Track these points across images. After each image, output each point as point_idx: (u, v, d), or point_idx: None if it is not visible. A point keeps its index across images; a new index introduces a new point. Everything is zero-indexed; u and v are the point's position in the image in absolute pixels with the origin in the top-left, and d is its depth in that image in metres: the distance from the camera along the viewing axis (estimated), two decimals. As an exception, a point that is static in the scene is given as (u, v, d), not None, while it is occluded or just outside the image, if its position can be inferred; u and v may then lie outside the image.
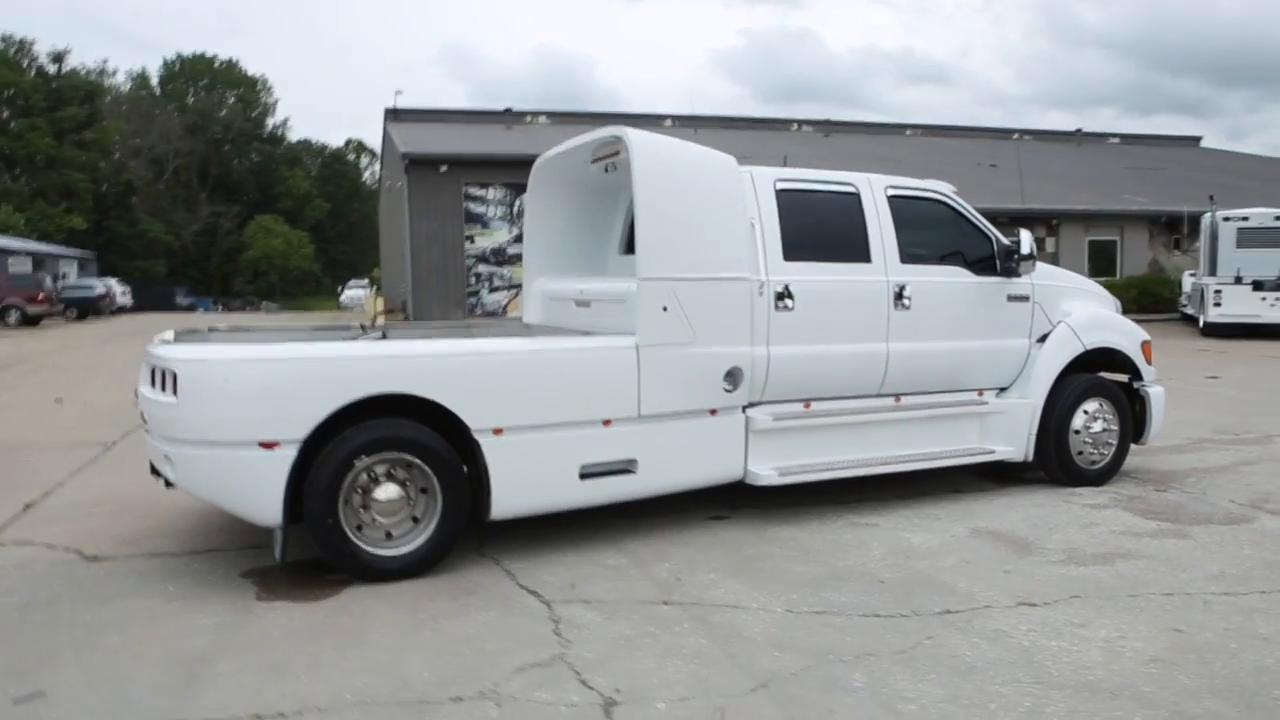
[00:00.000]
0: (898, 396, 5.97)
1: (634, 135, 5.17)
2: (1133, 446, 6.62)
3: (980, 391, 6.25)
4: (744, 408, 5.47)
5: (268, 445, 4.29)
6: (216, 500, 4.43)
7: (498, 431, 4.73)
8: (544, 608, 4.23)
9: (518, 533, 5.16)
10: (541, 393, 4.84)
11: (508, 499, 4.79)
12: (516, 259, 27.13)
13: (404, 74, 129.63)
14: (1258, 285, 17.65)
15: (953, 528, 5.45)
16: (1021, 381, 6.28)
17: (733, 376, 5.35)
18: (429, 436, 4.59)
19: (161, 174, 67.23)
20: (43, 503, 6.28)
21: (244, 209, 68.61)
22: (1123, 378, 6.66)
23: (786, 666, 3.58)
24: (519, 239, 27.51)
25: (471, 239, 26.61)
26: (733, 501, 5.90)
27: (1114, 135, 43.75)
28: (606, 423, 5.01)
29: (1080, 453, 6.33)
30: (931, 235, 6.07)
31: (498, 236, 26.89)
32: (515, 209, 26.96)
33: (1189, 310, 20.74)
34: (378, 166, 70.17)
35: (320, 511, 4.37)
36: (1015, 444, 6.17)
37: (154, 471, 5.14)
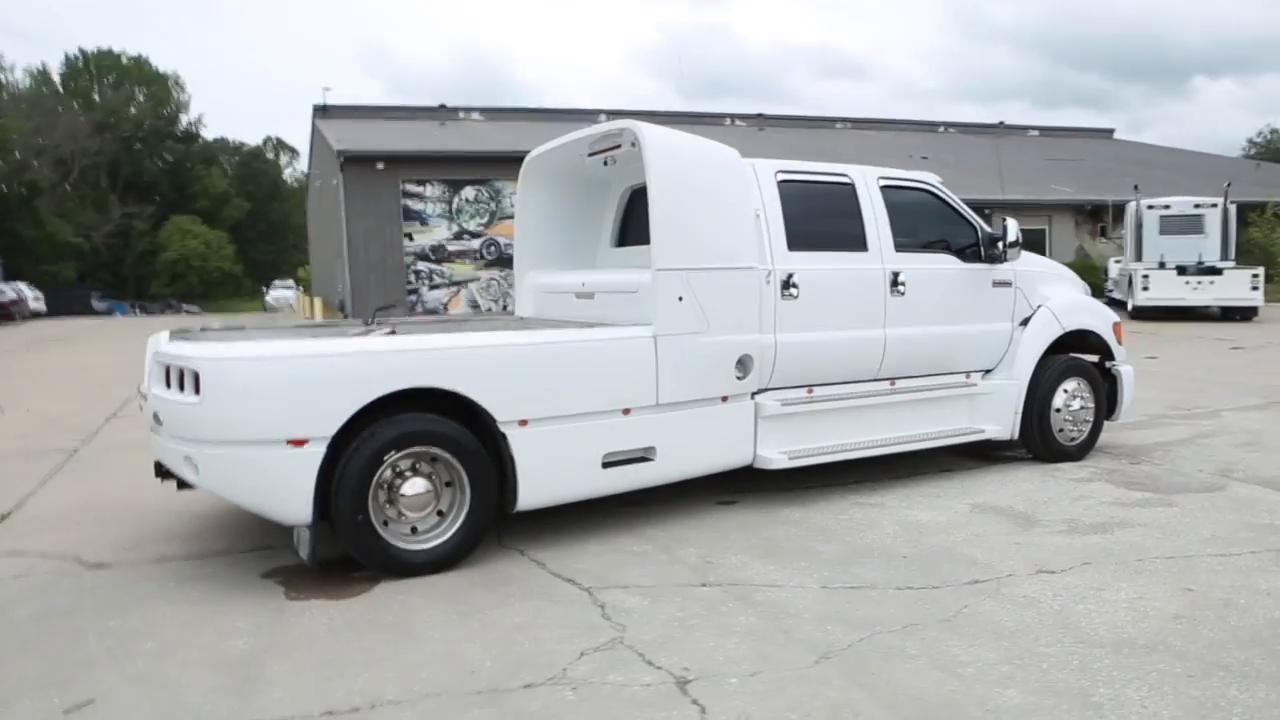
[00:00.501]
0: (893, 380, 6.15)
1: (645, 128, 5.22)
2: (1104, 423, 6.94)
3: (968, 374, 6.47)
4: (752, 394, 5.57)
5: (296, 443, 4.22)
6: (242, 500, 4.34)
7: (523, 423, 4.73)
8: (585, 595, 4.26)
9: (536, 524, 5.16)
10: (565, 384, 4.86)
11: (534, 490, 4.81)
12: (457, 256, 26.85)
13: (319, 70, 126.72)
14: (1181, 270, 18.54)
15: (954, 504, 5.64)
16: (1006, 363, 6.53)
17: (743, 364, 5.45)
18: (456, 430, 4.57)
19: (68, 174, 64.32)
20: (19, 513, 6.04)
21: (159, 210, 66.09)
22: (1093, 358, 6.97)
23: (841, 639, 3.69)
24: (459, 236, 27.30)
25: (410, 236, 26.22)
26: (737, 486, 6.01)
27: (1033, 128, 45.17)
28: (626, 412, 5.05)
29: (1061, 430, 6.61)
30: (921, 224, 6.26)
31: (437, 234, 26.56)
32: (454, 206, 26.69)
33: (1116, 295, 21.64)
34: (299, 164, 68.41)
35: (350, 509, 4.32)
36: (1003, 423, 6.42)
37: (161, 474, 5.02)
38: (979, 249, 6.43)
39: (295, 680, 3.44)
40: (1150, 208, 19.03)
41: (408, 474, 4.52)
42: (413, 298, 26.35)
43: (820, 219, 5.83)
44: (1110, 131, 46.75)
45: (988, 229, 6.49)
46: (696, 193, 5.30)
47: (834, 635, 3.73)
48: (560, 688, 3.33)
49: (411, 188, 26.18)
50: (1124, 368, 6.92)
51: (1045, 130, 44.78)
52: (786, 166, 5.87)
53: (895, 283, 5.99)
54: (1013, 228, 6.32)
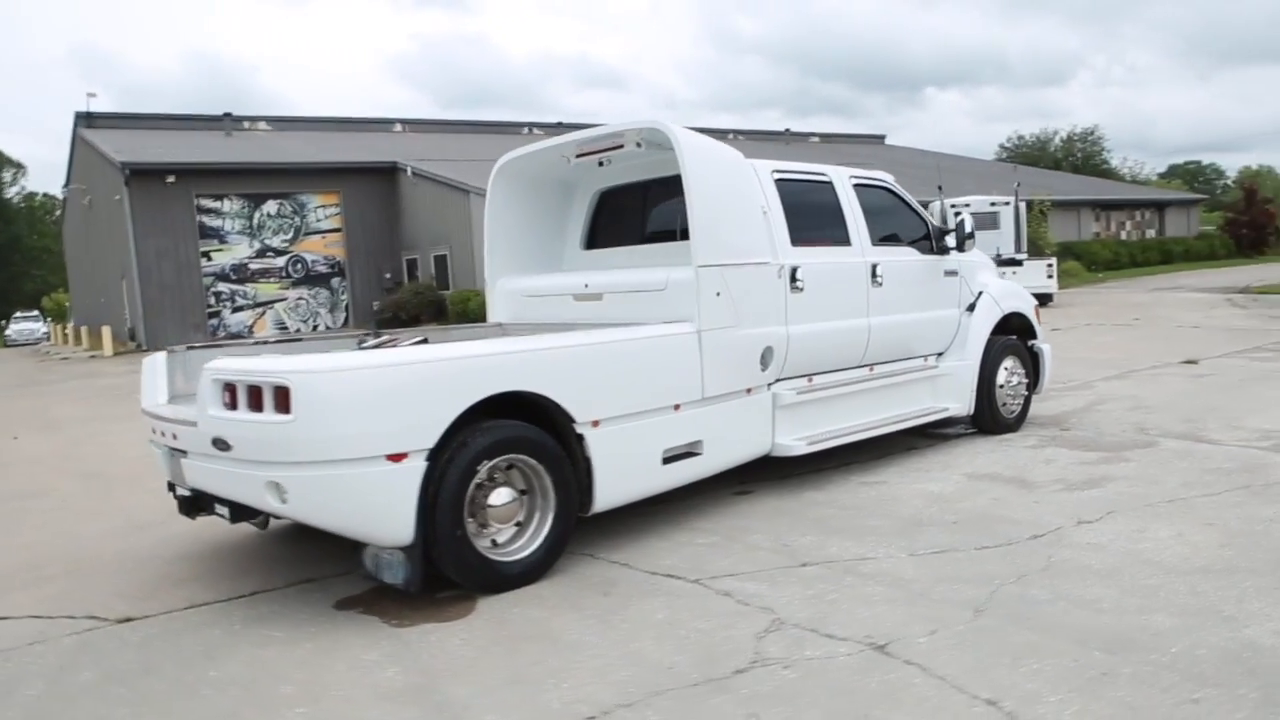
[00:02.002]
0: (871, 367, 6.55)
1: (679, 129, 5.29)
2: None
3: (926, 358, 7.01)
4: (768, 385, 5.77)
5: (396, 458, 3.96)
6: (339, 525, 3.99)
7: (595, 424, 4.68)
8: (699, 587, 4.28)
9: (583, 528, 5.09)
10: (629, 382, 4.86)
11: (608, 491, 4.76)
12: (260, 275, 25.20)
13: (26, 75, 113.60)
14: (984, 263, 20.70)
15: (949, 476, 6.11)
16: (958, 346, 7.13)
17: (765, 356, 5.64)
18: (540, 434, 4.45)
19: None
20: (5, 570, 5.21)
21: None
22: (1012, 338, 7.74)
23: (975, 595, 3.95)
24: (262, 253, 25.60)
25: (208, 255, 24.31)
26: (741, 476, 6.17)
27: (813, 135, 48.43)
28: (677, 408, 5.10)
29: (1004, 404, 7.30)
30: (885, 219, 6.72)
31: (237, 251, 24.79)
32: (255, 221, 25.01)
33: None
34: (28, 180, 61.20)
35: (449, 523, 4.10)
36: (962, 401, 7.00)
37: (191, 509, 4.53)
38: (930, 241, 6.98)
39: (499, 701, 3.26)
40: (953, 205, 21.08)
41: (493, 484, 4.35)
42: (214, 321, 24.44)
43: (811, 216, 6.13)
44: (882, 137, 51.06)
45: (935, 223, 7.07)
46: (722, 190, 5.44)
47: (966, 593, 3.99)
48: (773, 668, 3.37)
49: (207, 202, 24.31)
50: (1044, 346, 7.74)
51: (824, 136, 48.10)
52: (779, 166, 6.13)
53: (874, 274, 6.40)
54: (968, 221, 6.92)
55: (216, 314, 24.43)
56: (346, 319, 26.42)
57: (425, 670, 3.54)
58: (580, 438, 4.61)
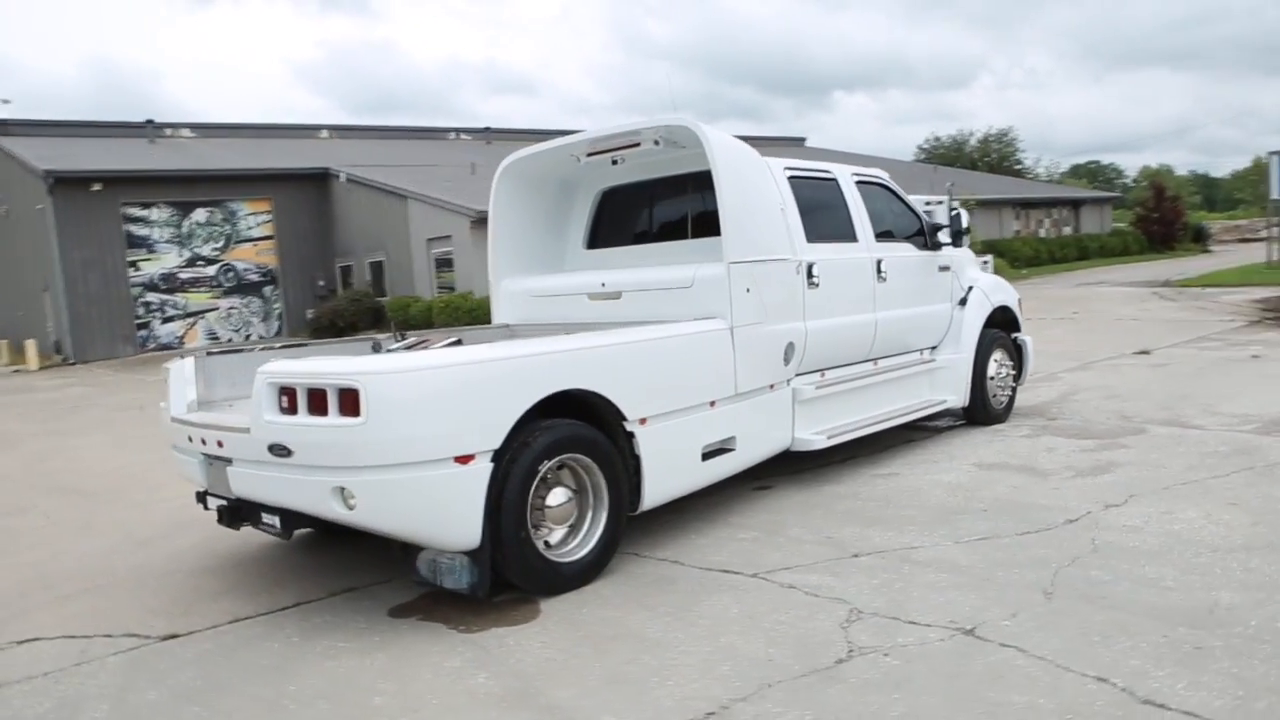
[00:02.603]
0: (875, 361, 6.67)
1: (707, 128, 5.30)
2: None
3: (922, 351, 7.16)
4: (788, 381, 5.82)
5: (463, 459, 3.88)
6: (406, 530, 3.88)
7: (643, 421, 4.66)
8: (762, 581, 4.29)
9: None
10: (673, 379, 4.85)
11: (655, 489, 4.74)
12: (191, 285, 24.32)
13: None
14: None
15: (960, 466, 6.25)
16: (951, 340, 7.30)
17: (788, 352, 5.69)
18: (594, 433, 4.41)
19: None
20: (11, 590, 4.93)
21: None
22: (998, 331, 7.95)
23: (1038, 578, 4.05)
24: (192, 262, 24.69)
25: (136, 265, 23.32)
26: (757, 473, 6.20)
27: (738, 138, 48.88)
28: (713, 404, 5.11)
29: (994, 396, 7.50)
30: (884, 215, 6.84)
31: (166, 261, 23.86)
32: (184, 230, 24.14)
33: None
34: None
35: (513, 525, 4.03)
36: (958, 393, 7.17)
37: (234, 520, 4.35)
38: (924, 237, 7.14)
39: (607, 701, 3.22)
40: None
41: (550, 484, 4.29)
42: (143, 333, 23.49)
43: (821, 213, 6.21)
44: (803, 140, 51.68)
45: (929, 219, 7.23)
46: (747, 187, 5.48)
47: (1028, 576, 4.09)
48: (873, 656, 3.40)
49: (134, 211, 23.36)
50: (1026, 338, 7.98)
51: (748, 139, 48.63)
52: (790, 163, 6.19)
53: (879, 270, 6.51)
54: (964, 218, 7.10)
55: (146, 325, 23.46)
56: (280, 328, 25.67)
57: (517, 674, 3.47)
58: (630, 435, 4.59)
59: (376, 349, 5.81)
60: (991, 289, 7.63)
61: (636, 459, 4.62)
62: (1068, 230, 38.80)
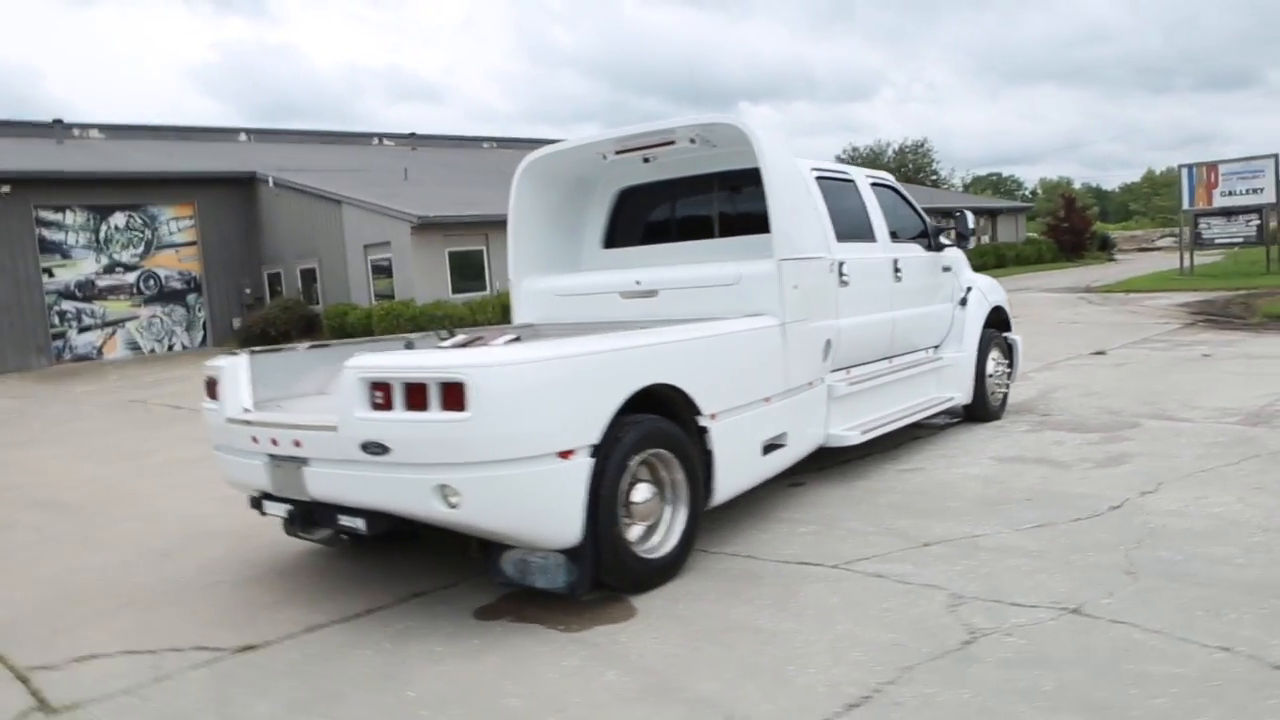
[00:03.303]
0: (890, 359, 6.81)
1: (755, 124, 5.33)
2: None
3: (927, 350, 7.34)
4: (822, 378, 5.89)
5: (565, 455, 3.82)
6: (507, 528, 3.77)
7: (713, 416, 4.66)
8: (846, 572, 4.33)
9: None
10: (737, 374, 4.88)
11: (725, 484, 4.75)
12: (109, 293, 23.22)
13: None
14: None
15: (979, 460, 6.42)
16: (954, 338, 7.50)
17: (826, 349, 5.76)
18: (674, 428, 4.39)
19: None
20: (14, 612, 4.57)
21: None
22: (993, 330, 8.19)
23: (1114, 560, 4.20)
24: (110, 269, 23.53)
25: (50, 272, 22.12)
26: (787, 470, 6.25)
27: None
28: (768, 399, 5.14)
29: (992, 393, 7.74)
30: (895, 217, 6.99)
31: (83, 267, 22.70)
32: (102, 235, 23.02)
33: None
34: None
35: (609, 522, 3.98)
36: (963, 390, 7.38)
37: (306, 524, 4.18)
38: (928, 239, 7.33)
39: (756, 691, 3.21)
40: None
41: (635, 480, 4.25)
42: (59, 343, 22.30)
43: (845, 212, 6.32)
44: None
45: (931, 221, 7.43)
46: (791, 186, 5.54)
47: (1102, 559, 4.23)
48: (996, 637, 3.47)
49: (47, 214, 22.20)
50: (1016, 338, 8.26)
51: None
52: (816, 164, 6.28)
53: (896, 269, 6.66)
54: (970, 219, 7.31)
55: (62, 335, 22.21)
56: (205, 338, 24.68)
57: (647, 670, 3.42)
58: (704, 430, 4.58)
59: (409, 347, 5.67)
60: (988, 289, 7.88)
61: (708, 454, 4.61)
62: (985, 239, 40.30)
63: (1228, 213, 24.26)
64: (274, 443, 4.12)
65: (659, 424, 4.28)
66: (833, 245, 5.95)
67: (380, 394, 3.73)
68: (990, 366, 7.70)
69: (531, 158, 6.45)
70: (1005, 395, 7.99)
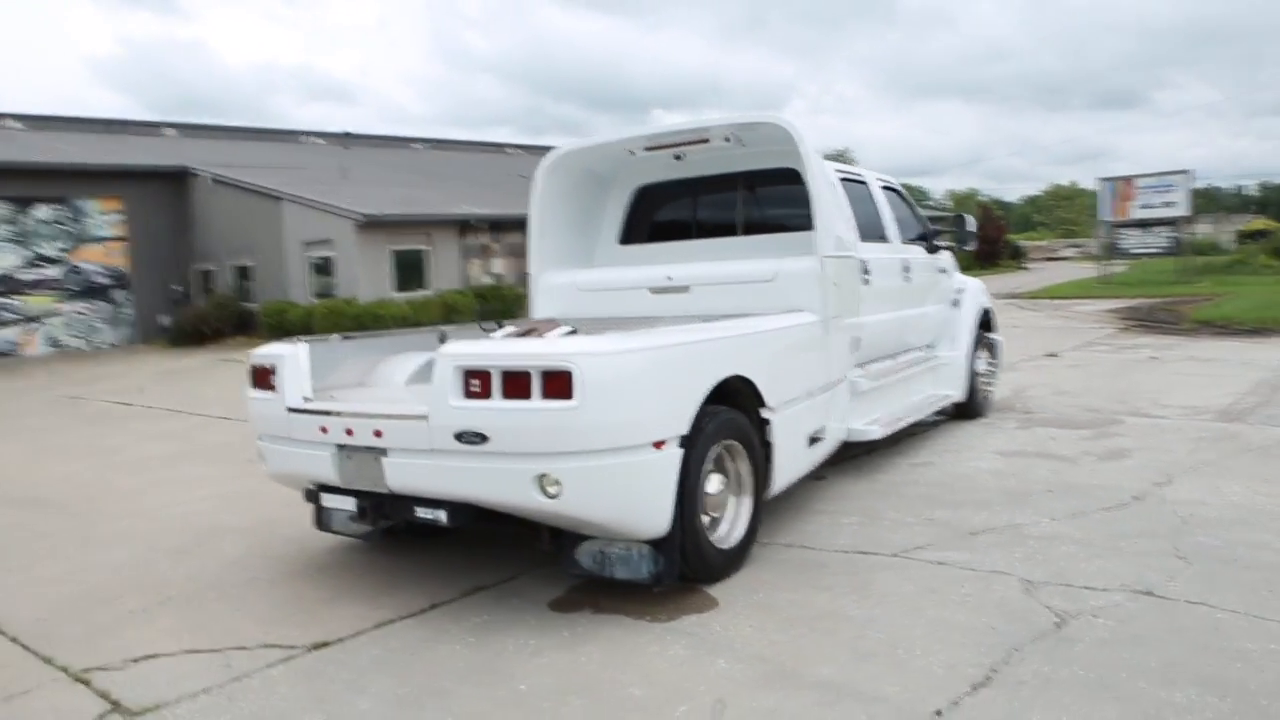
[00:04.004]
0: (895, 356, 6.97)
1: (797, 122, 5.40)
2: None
3: (923, 349, 7.53)
4: (846, 374, 6.00)
5: (659, 445, 3.81)
6: (605, 519, 3.73)
7: (774, 409, 4.70)
8: (908, 560, 4.42)
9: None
10: (791, 368, 4.94)
11: (781, 475, 4.80)
12: (31, 287, 22.12)
13: None
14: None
15: (984, 455, 6.62)
16: (948, 338, 7.71)
17: (854, 345, 5.87)
18: (744, 420, 4.42)
19: None
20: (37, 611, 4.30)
21: None
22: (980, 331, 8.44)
23: (1160, 546, 4.39)
24: (33, 263, 22.30)
25: (-36, 265, 20.87)
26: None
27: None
28: (811, 394, 5.21)
29: (981, 391, 7.98)
30: (900, 218, 7.16)
31: (4, 260, 21.54)
32: (24, 228, 21.87)
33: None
34: None
35: (691, 513, 3.99)
36: (958, 388, 7.59)
37: (378, 515, 4.08)
38: (927, 240, 7.53)
39: (877, 673, 3.27)
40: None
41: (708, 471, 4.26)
42: (-27, 339, 21.06)
43: (864, 214, 6.44)
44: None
45: (930, 224, 7.63)
46: (829, 186, 5.64)
47: (1149, 545, 4.42)
48: (1086, 618, 3.59)
49: (-38, 204, 20.91)
50: (999, 338, 8.54)
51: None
52: (837, 166, 6.39)
53: (906, 269, 6.83)
54: (970, 222, 7.53)
55: (-23, 330, 21.04)
56: (132, 335, 23.61)
57: (759, 657, 3.43)
58: (766, 423, 4.62)
59: (443, 340, 5.57)
60: (976, 292, 8.12)
61: (768, 446, 4.65)
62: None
63: (1143, 224, 25.50)
64: (348, 433, 4.00)
65: (732, 416, 4.31)
66: (857, 244, 6.07)
67: (477, 382, 3.66)
68: (980, 365, 7.95)
69: (557, 153, 6.39)
70: (990, 393, 8.26)
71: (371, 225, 21.28)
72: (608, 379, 3.61)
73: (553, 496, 3.63)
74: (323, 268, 22.03)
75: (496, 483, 3.68)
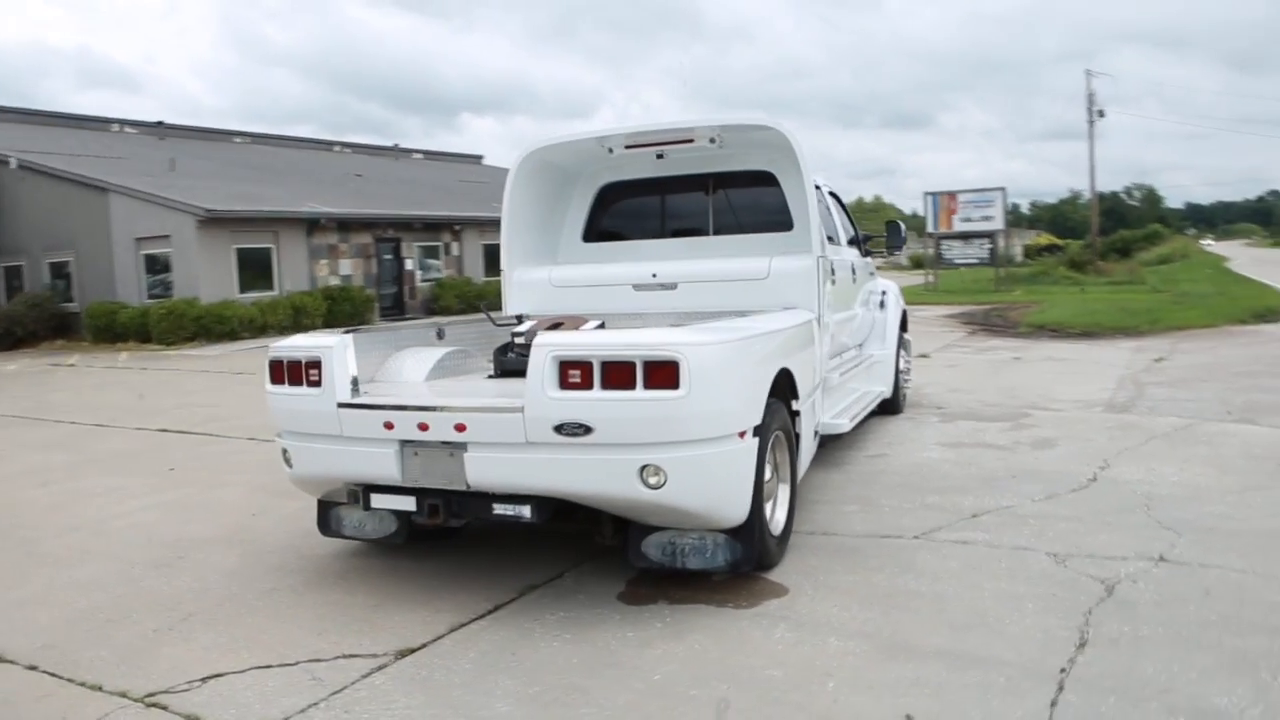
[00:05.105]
0: (841, 354, 7.34)
1: (788, 125, 5.60)
2: (896, 381, 9.04)
3: (855, 348, 7.97)
4: (821, 369, 6.29)
5: (742, 434, 3.91)
6: (700, 508, 3.76)
7: (801, 401, 4.88)
8: (930, 541, 4.72)
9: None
10: (810, 363, 5.16)
11: (803, 465, 4.99)
12: None
13: None
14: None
15: (928, 446, 7.09)
16: (876, 338, 8.18)
17: (830, 342, 6.16)
18: (786, 411, 4.58)
19: None
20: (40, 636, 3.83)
21: None
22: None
23: (1141, 519, 4.90)
24: None
25: None
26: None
27: (418, 151, 47.68)
28: (815, 388, 5.44)
29: (901, 388, 8.52)
30: (840, 222, 7.55)
31: None
32: None
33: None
34: None
35: (759, 500, 4.11)
36: (887, 385, 8.07)
37: (449, 513, 3.93)
38: (860, 245, 7.97)
39: (984, 641, 3.49)
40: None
41: (756, 462, 4.40)
42: None
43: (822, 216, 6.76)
44: (480, 157, 51.71)
45: (860, 229, 8.09)
46: (813, 187, 5.88)
47: (1131, 519, 4.92)
48: (1127, 584, 3.99)
49: None
50: (909, 337, 9.13)
51: (429, 154, 47.66)
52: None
53: (853, 271, 7.21)
54: (902, 229, 8.01)
55: None
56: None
57: (863, 634, 3.60)
58: (796, 414, 4.79)
59: (440, 335, 5.42)
60: (897, 295, 8.66)
61: (796, 437, 4.83)
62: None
63: (965, 236, 27.75)
64: (422, 428, 3.83)
65: (780, 407, 4.46)
66: (823, 244, 6.36)
67: (576, 373, 3.62)
68: (901, 363, 8.49)
69: (532, 148, 6.31)
70: (908, 390, 8.83)
71: (215, 222, 19.99)
72: (711, 369, 3.67)
73: (655, 487, 3.64)
74: (159, 266, 20.42)
75: (598, 475, 3.65)
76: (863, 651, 3.44)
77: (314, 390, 4.14)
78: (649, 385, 3.60)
